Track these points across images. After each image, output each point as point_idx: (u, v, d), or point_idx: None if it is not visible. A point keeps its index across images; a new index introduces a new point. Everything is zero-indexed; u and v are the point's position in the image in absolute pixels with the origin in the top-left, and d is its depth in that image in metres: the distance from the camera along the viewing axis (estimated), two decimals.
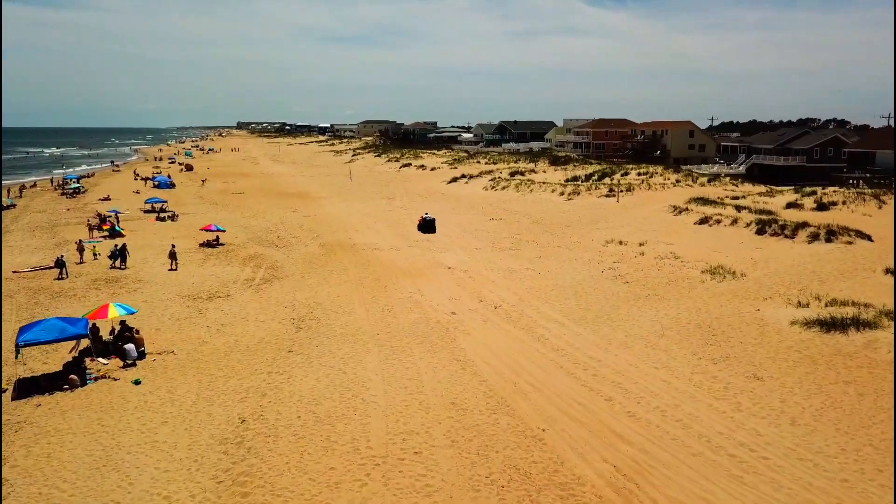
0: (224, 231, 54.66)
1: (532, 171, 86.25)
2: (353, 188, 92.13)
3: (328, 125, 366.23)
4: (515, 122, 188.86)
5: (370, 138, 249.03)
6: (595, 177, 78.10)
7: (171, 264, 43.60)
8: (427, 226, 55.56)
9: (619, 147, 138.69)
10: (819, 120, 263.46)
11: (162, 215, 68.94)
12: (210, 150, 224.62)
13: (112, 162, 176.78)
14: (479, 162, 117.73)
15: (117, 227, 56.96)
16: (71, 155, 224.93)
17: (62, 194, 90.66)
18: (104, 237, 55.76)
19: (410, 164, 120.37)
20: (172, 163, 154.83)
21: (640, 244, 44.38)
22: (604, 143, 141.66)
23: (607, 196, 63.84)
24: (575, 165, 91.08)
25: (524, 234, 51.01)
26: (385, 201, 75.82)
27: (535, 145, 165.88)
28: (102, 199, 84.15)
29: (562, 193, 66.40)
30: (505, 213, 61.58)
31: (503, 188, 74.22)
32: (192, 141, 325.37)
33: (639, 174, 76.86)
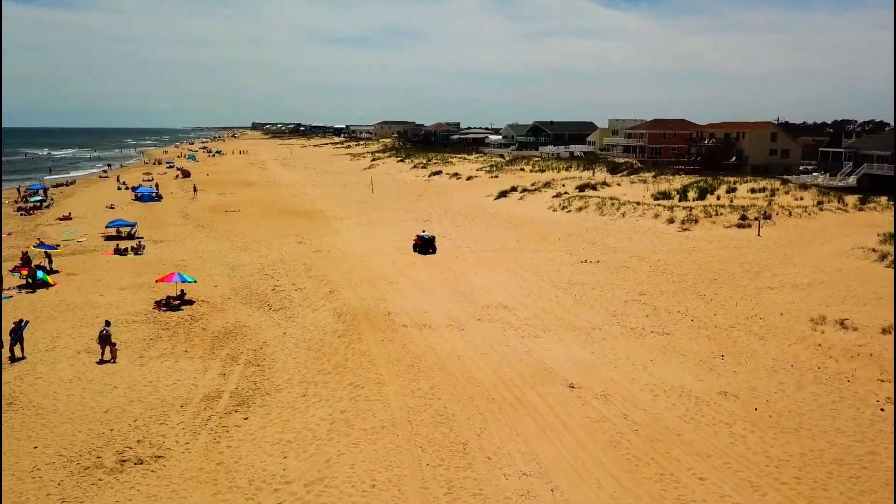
0: (194, 282, 36.80)
1: (603, 183, 67.79)
2: (375, 203, 74.09)
3: (343, 126, 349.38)
4: (552, 122, 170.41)
5: (388, 140, 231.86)
6: (692, 193, 59.58)
7: (102, 353, 26.12)
8: (426, 245, 45.69)
9: (680, 152, 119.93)
10: (855, 122, 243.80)
11: (124, 246, 51.20)
12: (217, 152, 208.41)
13: (108, 165, 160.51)
14: (521, 169, 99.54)
15: (40, 275, 38.99)
16: (77, 157, 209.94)
17: (18, 210, 73.28)
18: (21, 287, 38.14)
19: (441, 172, 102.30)
20: (171, 167, 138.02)
21: (885, 330, 25.98)
22: (661, 146, 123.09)
23: (739, 226, 45.35)
24: (657, 177, 72.40)
25: (655, 295, 32.78)
26: (420, 225, 57.66)
27: (577, 149, 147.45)
28: (62, 219, 66.83)
29: (670, 220, 47.99)
30: (598, 251, 43.40)
31: (578, 209, 55.91)
32: (203, 142, 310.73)
33: (752, 190, 58.26)
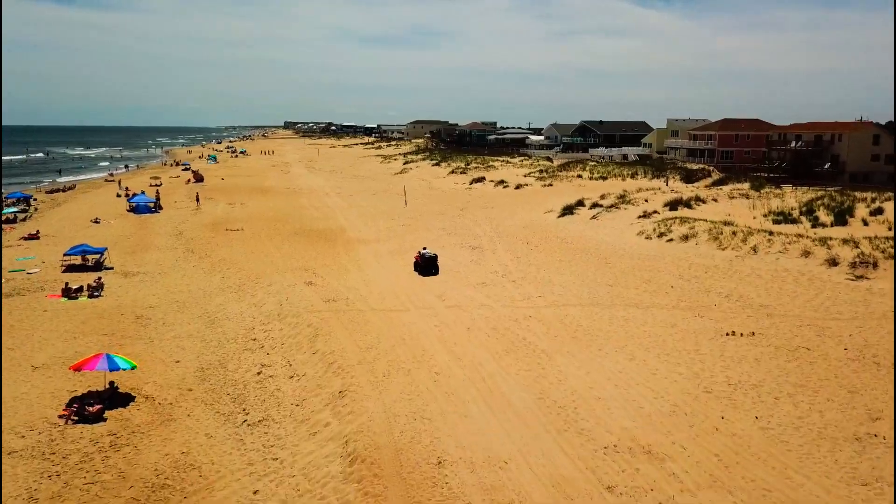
0: (131, 368, 23.73)
1: (696, 199, 53.41)
2: (409, 219, 60.68)
3: (374, 125, 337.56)
4: (601, 122, 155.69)
5: (421, 140, 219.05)
6: (823, 214, 45.10)
7: None
8: (428, 265, 38.82)
9: (756, 156, 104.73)
10: None
11: (77, 285, 38.54)
12: (241, 152, 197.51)
13: (125, 166, 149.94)
14: (578, 176, 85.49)
15: None
16: (100, 157, 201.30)
17: None
18: None
19: (484, 179, 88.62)
20: (186, 169, 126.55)
21: None
22: (733, 149, 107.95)
23: None
24: (758, 190, 57.88)
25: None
26: (467, 254, 44.10)
27: (630, 151, 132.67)
28: (27, 238, 54.62)
29: (831, 262, 33.51)
30: (740, 311, 29.39)
31: (684, 237, 41.59)
32: (230, 141, 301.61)
33: None
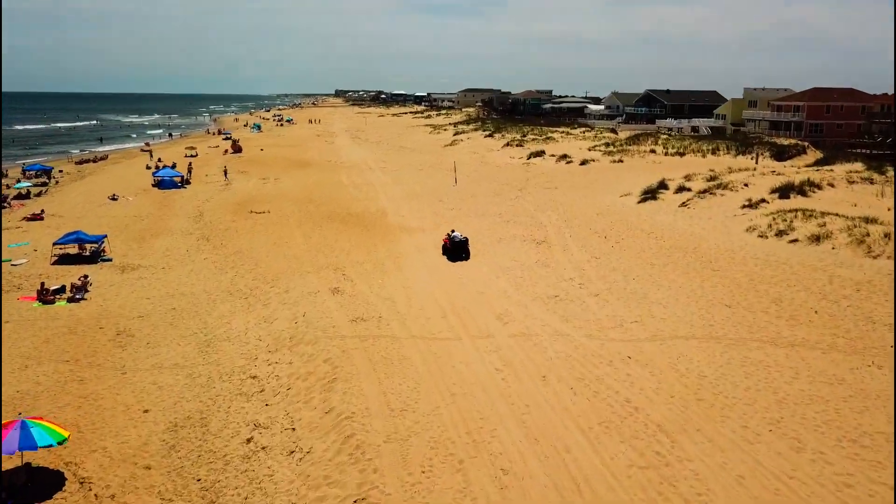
0: (58, 443, 16.23)
1: (810, 185, 43.74)
2: (460, 201, 52.63)
3: (424, 94, 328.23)
4: (668, 91, 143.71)
5: (472, 110, 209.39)
6: None
7: None
8: (457, 249, 34.60)
9: (850, 129, 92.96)
10: None
11: (55, 286, 31.80)
12: (288, 121, 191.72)
13: (169, 134, 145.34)
14: (652, 151, 75.79)
15: None
16: (147, 124, 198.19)
17: None
18: None
19: (544, 153, 79.60)
20: (227, 139, 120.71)
21: None
22: (823, 122, 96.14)
23: None
24: (884, 172, 47.81)
25: None
26: (534, 250, 35.95)
27: (701, 123, 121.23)
28: (30, 218, 48.48)
29: None
30: None
31: (813, 238, 32.41)
32: (279, 109, 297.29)
33: None
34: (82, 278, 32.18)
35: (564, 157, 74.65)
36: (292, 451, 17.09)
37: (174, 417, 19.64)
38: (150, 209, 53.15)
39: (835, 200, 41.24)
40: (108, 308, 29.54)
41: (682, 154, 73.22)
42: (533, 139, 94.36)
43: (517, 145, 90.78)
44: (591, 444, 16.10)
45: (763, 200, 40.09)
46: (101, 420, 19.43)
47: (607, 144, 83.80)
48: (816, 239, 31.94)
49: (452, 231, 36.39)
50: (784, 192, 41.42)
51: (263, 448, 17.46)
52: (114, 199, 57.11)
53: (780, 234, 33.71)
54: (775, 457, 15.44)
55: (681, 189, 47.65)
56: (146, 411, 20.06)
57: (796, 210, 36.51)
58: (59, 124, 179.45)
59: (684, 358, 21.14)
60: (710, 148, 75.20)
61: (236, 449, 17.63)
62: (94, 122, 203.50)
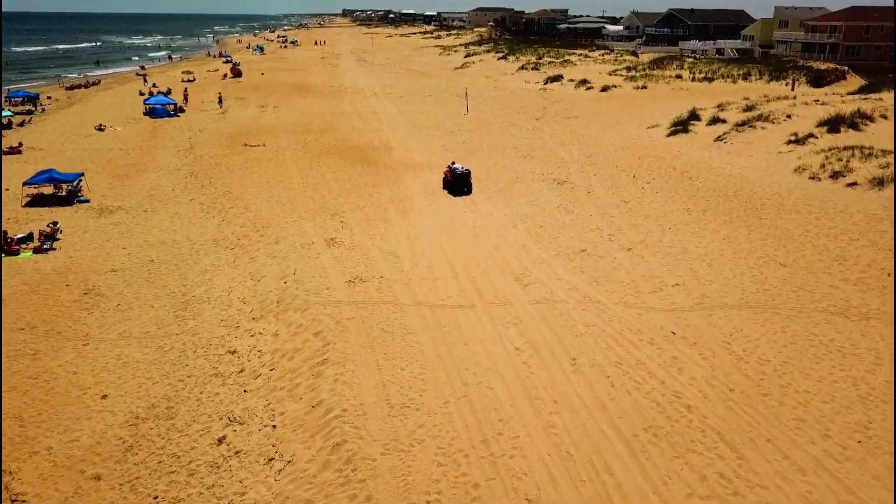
0: None
1: (861, 116, 39.25)
2: (472, 133, 48.58)
3: (434, 13, 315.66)
4: (692, 10, 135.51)
5: (484, 30, 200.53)
6: None
7: None
8: (459, 182, 32.19)
9: (890, 52, 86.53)
10: None
11: (21, 234, 28.59)
12: (292, 42, 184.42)
13: (169, 56, 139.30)
14: (678, 76, 70.57)
15: None
16: (146, 46, 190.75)
17: None
18: None
19: (561, 78, 74.41)
20: (227, 62, 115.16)
21: None
22: (861, 45, 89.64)
23: None
24: None
25: None
26: (555, 192, 32.34)
27: (727, 45, 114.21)
28: (6, 152, 44.80)
29: None
30: None
31: (877, 182, 28.45)
32: (284, 30, 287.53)
33: None
34: (51, 225, 28.85)
35: (584, 82, 69.56)
36: (271, 459, 14.05)
37: (136, 406, 16.63)
38: (138, 141, 49.39)
39: (889, 134, 36.91)
40: (78, 260, 26.34)
41: (710, 80, 68.02)
42: (549, 62, 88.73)
43: (532, 69, 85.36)
44: (638, 460, 12.92)
45: (811, 135, 35.85)
46: (49, 409, 16.45)
47: (629, 69, 78.31)
48: (880, 183, 28.02)
49: (453, 163, 34.20)
50: (833, 125, 37.08)
51: (237, 453, 14.44)
52: (100, 129, 53.25)
53: (835, 175, 29.74)
54: (871, 482, 12.23)
55: (714, 120, 43.30)
56: (104, 397, 17.05)
57: (851, 147, 32.39)
58: (58, 46, 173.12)
59: (739, 335, 17.77)
60: (741, 73, 69.85)
61: (205, 453, 14.62)
62: (96, 43, 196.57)
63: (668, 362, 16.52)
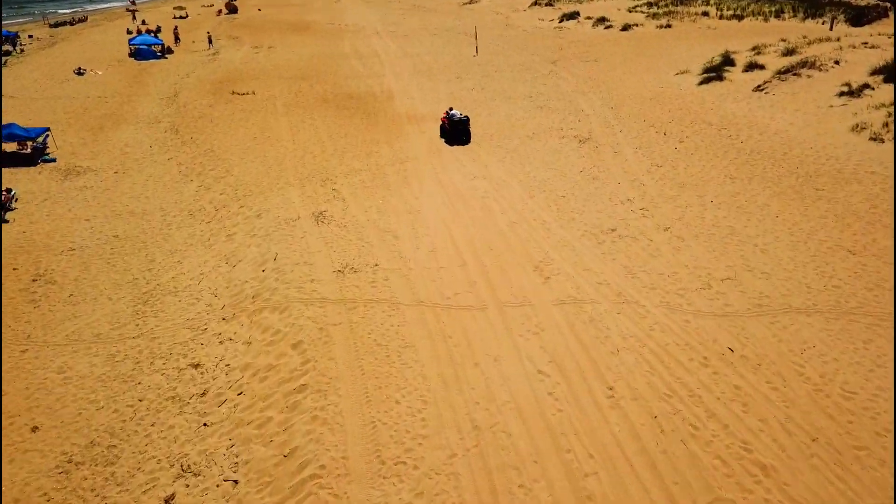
0: None
1: None
2: (483, 80, 44.53)
3: None
4: None
5: None
6: None
7: None
8: (457, 130, 29.65)
9: None
10: None
11: None
12: None
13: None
14: (704, 14, 65.28)
15: None
16: None
17: None
18: None
19: (578, 15, 69.10)
20: None
21: None
22: None
23: None
24: None
25: None
26: (576, 152, 28.67)
27: None
28: None
29: None
30: None
31: None
32: None
33: None
34: (4, 193, 25.40)
35: (602, 20, 64.33)
36: None
37: (72, 443, 13.55)
38: (119, 86, 45.40)
39: None
40: (32, 235, 23.03)
41: (739, 17, 62.67)
42: None
43: (546, 4, 79.62)
44: None
45: (866, 86, 31.65)
46: None
47: (650, 4, 72.63)
48: None
49: (451, 108, 31.66)
50: (890, 73, 32.73)
51: None
52: (79, 73, 49.18)
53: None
54: None
55: (751, 66, 38.91)
56: (35, 429, 13.98)
57: None
58: None
59: (813, 353, 14.41)
60: (773, 10, 64.30)
61: None
62: None
63: (730, 394, 13.22)
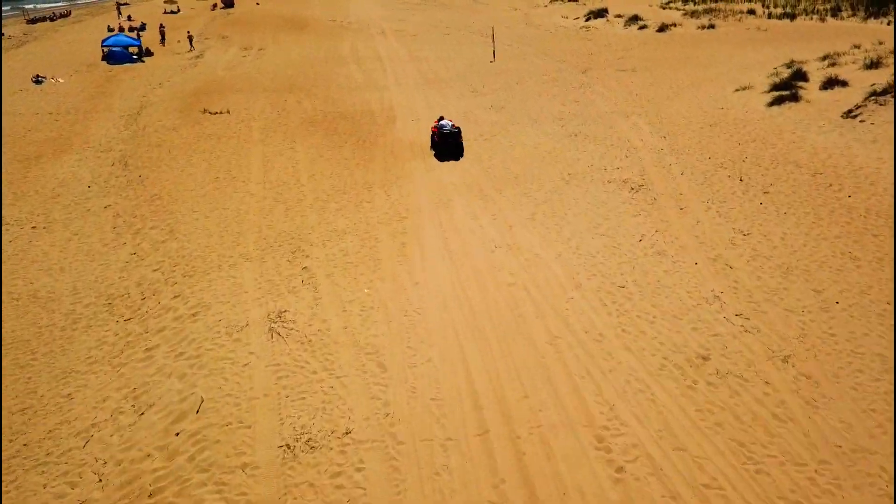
0: None
1: None
2: (503, 92, 37.57)
3: None
4: None
5: None
6: None
7: None
8: (447, 145, 26.59)
9: None
10: None
11: None
12: None
13: None
14: (751, 12, 58.05)
15: None
16: None
17: None
18: None
19: (606, 13, 61.88)
20: None
21: None
22: None
23: None
24: None
25: None
26: (624, 201, 22.02)
27: None
28: None
29: None
30: None
31: None
32: None
33: None
34: None
35: (636, 19, 57.14)
36: None
37: None
38: (78, 99, 38.95)
39: None
40: None
41: (791, 16, 55.27)
42: None
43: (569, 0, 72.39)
44: None
45: None
46: None
47: (686, 0, 65.34)
48: None
49: (441, 118, 28.18)
50: None
51: None
52: (37, 81, 42.81)
53: None
54: None
55: (831, 82, 31.81)
56: None
57: None
58: None
59: None
60: (828, 7, 56.86)
61: None
62: None
63: None
